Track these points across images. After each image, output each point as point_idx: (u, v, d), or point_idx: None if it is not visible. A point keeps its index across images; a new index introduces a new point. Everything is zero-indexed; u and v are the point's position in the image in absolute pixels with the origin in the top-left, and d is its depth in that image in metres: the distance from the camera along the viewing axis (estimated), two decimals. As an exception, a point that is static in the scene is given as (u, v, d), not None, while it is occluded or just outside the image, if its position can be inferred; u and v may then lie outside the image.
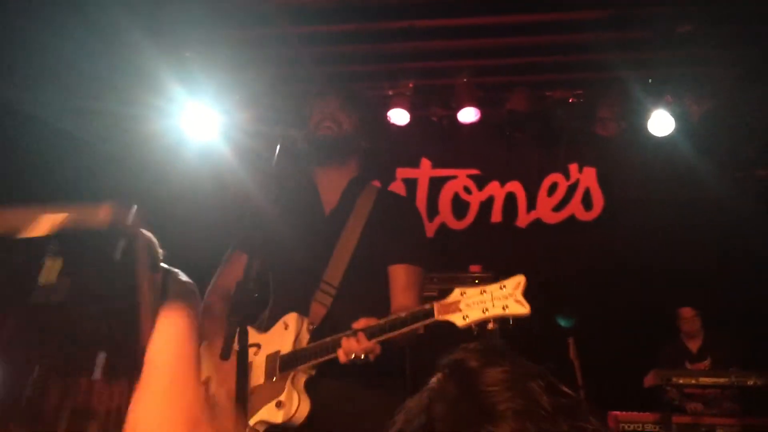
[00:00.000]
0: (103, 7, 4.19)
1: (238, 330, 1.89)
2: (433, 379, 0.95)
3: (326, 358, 2.14)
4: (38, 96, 4.18)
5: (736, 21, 4.44)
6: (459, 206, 5.94)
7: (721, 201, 5.38)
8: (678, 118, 5.20)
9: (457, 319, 1.97)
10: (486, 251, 5.67)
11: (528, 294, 1.92)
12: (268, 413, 2.19)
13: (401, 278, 2.36)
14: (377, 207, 2.47)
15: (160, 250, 4.14)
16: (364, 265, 2.38)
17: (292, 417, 2.16)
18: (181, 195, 5.28)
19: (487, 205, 5.94)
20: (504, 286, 1.95)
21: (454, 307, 1.98)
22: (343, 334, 2.08)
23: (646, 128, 5.28)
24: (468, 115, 5.43)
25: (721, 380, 4.32)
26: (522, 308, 1.91)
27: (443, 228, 5.89)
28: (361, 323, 2.05)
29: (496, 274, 4.47)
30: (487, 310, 1.94)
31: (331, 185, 2.52)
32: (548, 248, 5.74)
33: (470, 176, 5.96)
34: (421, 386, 0.96)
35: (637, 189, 5.70)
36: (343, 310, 2.27)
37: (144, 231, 4.05)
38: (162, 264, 4.21)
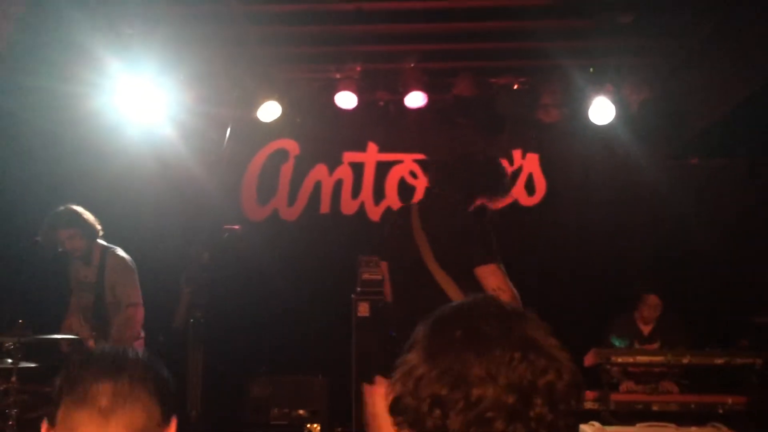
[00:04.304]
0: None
1: None
2: None
3: None
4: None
5: (673, 12, 4.59)
6: (405, 190, 5.94)
7: (656, 186, 5.58)
8: (618, 106, 5.34)
9: None
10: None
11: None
12: None
13: None
14: None
15: (99, 228, 4.01)
16: None
17: None
18: (122, 174, 5.10)
19: (432, 189, 5.95)
20: None
21: None
22: None
23: (587, 116, 5.40)
24: (415, 99, 5.44)
25: (657, 358, 4.48)
26: None
27: (389, 211, 5.89)
28: None
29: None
30: None
31: None
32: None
33: (416, 161, 5.98)
34: None
35: (578, 175, 5.84)
36: None
37: (80, 209, 3.89)
38: (100, 240, 4.10)
